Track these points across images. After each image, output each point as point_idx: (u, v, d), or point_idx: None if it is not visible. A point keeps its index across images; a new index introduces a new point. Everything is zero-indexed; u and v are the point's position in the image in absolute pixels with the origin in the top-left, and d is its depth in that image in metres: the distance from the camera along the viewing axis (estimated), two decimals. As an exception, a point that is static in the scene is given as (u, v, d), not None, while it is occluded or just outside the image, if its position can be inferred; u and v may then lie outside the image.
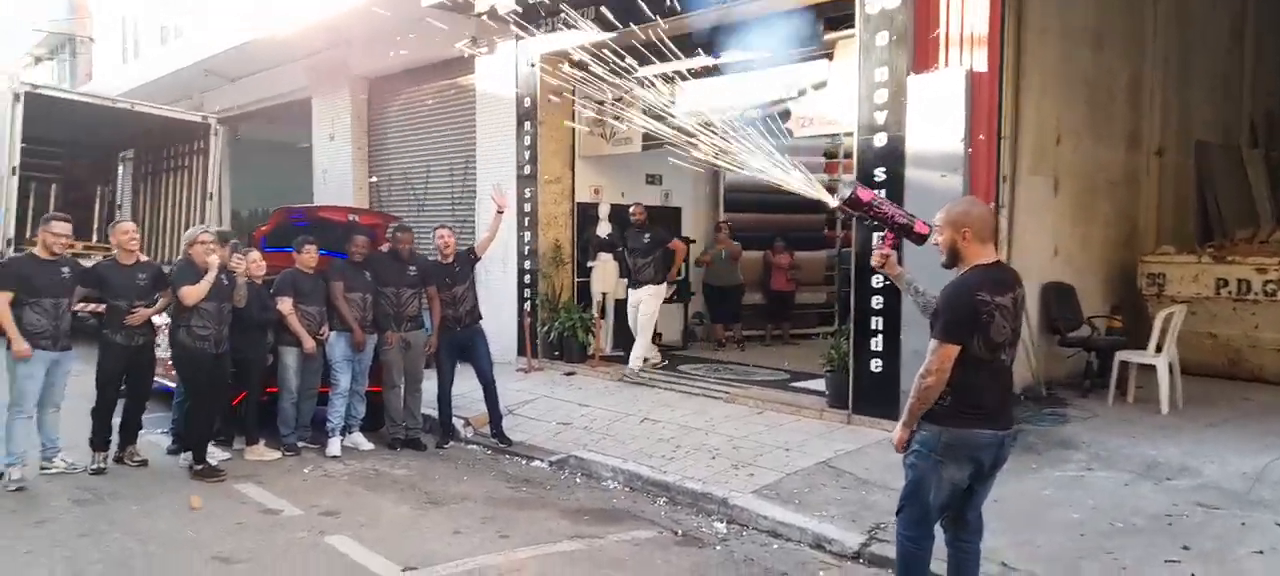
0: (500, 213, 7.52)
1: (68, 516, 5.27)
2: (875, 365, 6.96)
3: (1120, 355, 7.49)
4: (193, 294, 5.83)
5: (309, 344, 6.69)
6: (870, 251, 4.26)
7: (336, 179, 13.84)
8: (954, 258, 3.50)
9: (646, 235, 9.26)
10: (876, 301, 6.99)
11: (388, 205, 13.18)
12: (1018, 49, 7.75)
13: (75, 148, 14.83)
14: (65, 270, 5.92)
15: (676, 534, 5.34)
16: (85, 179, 15.44)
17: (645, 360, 9.32)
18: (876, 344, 6.97)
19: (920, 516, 3.58)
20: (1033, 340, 7.93)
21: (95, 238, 13.82)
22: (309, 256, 6.82)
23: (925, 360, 3.47)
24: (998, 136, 6.50)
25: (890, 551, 4.21)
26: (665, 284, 9.43)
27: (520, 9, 9.51)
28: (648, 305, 9.29)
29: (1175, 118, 9.69)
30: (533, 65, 10.07)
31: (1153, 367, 7.19)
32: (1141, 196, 9.49)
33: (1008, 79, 7.68)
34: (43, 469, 6.02)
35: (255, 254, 6.63)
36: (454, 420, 7.56)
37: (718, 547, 5.12)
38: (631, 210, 9.56)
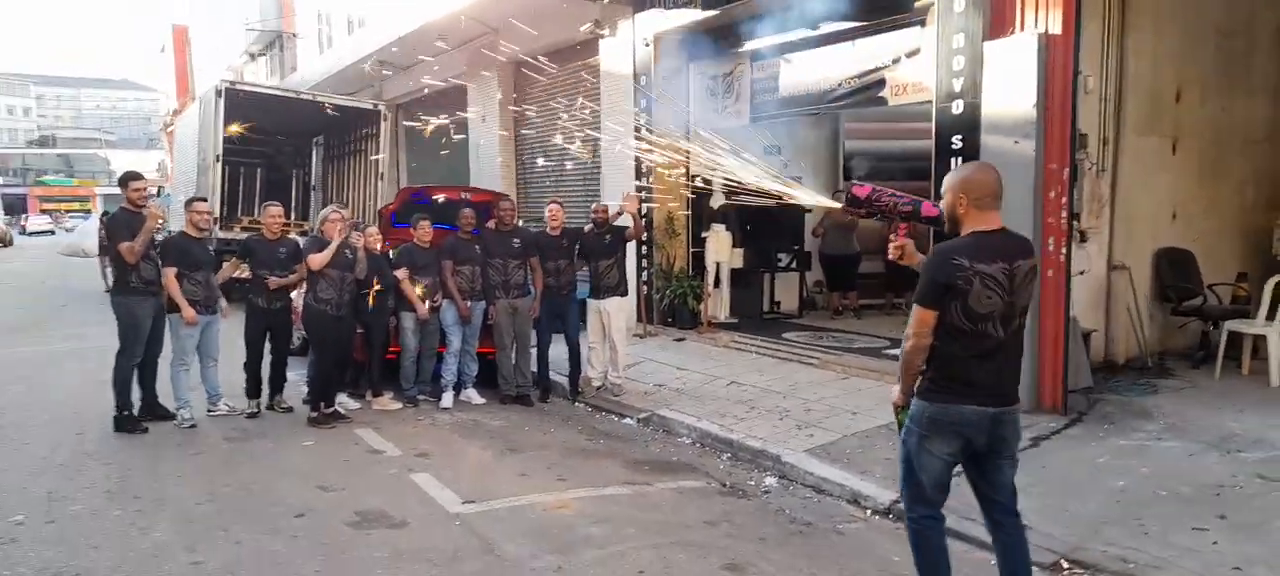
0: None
1: (217, 450, 6.39)
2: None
3: (1229, 325, 7.11)
4: (316, 260, 6.82)
5: (422, 311, 7.59)
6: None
7: (487, 158, 14.94)
8: (954, 224, 3.40)
9: (608, 235, 8.09)
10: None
11: (528, 181, 14.13)
12: (1124, 3, 7.46)
13: (276, 136, 16.75)
14: (210, 246, 7.11)
15: (723, 485, 5.75)
16: (285, 163, 17.44)
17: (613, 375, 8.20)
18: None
19: (916, 494, 3.49)
20: (1140, 309, 7.65)
21: (292, 216, 15.49)
22: (424, 232, 7.70)
23: None
24: (1074, 99, 6.35)
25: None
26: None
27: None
28: (617, 320, 8.07)
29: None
30: (647, 44, 10.56)
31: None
32: (1289, 154, 8.81)
33: (1110, 35, 7.44)
34: (209, 412, 7.25)
35: (372, 229, 7.58)
36: (554, 378, 8.26)
37: (756, 499, 5.49)
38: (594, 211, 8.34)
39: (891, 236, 3.75)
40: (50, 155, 72.69)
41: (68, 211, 62.72)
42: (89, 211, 54.65)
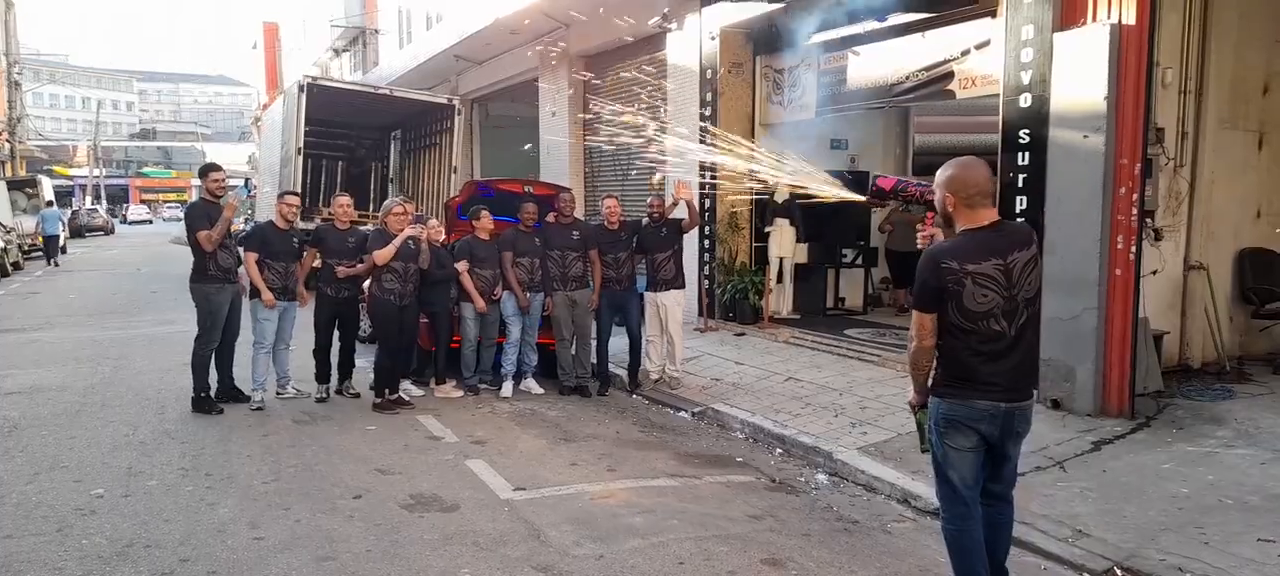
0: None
1: (285, 432, 6.65)
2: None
3: (1313, 329, 6.78)
4: (382, 255, 7.04)
5: (480, 304, 7.76)
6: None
7: (558, 151, 15.12)
8: (947, 221, 3.41)
9: (664, 228, 8.07)
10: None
11: (598, 174, 14.26)
12: (1207, -10, 7.16)
13: (357, 129, 17.26)
14: (294, 238, 7.40)
15: (773, 481, 5.75)
16: (365, 156, 17.95)
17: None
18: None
19: (948, 492, 3.50)
20: (1218, 311, 7.35)
21: (370, 207, 15.96)
22: (484, 224, 7.87)
23: None
24: (1148, 93, 6.13)
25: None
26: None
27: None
28: (674, 313, 8.09)
29: None
30: (713, 38, 10.55)
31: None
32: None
33: (1192, 26, 7.16)
34: (278, 394, 7.57)
35: (434, 221, 7.80)
36: (613, 371, 8.35)
37: (804, 495, 5.47)
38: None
39: (919, 227, 3.75)
40: (150, 148, 76.21)
41: (165, 202, 65.74)
42: (185, 201, 57.13)
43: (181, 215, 36.21)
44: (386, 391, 7.28)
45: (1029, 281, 3.34)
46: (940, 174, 3.42)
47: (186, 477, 5.50)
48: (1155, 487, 5.10)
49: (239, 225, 7.84)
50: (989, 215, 3.35)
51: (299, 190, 8.67)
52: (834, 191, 4.24)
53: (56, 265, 23.32)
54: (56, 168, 52.89)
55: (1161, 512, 4.76)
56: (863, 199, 4.17)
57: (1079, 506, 4.92)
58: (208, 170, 7.24)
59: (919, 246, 3.74)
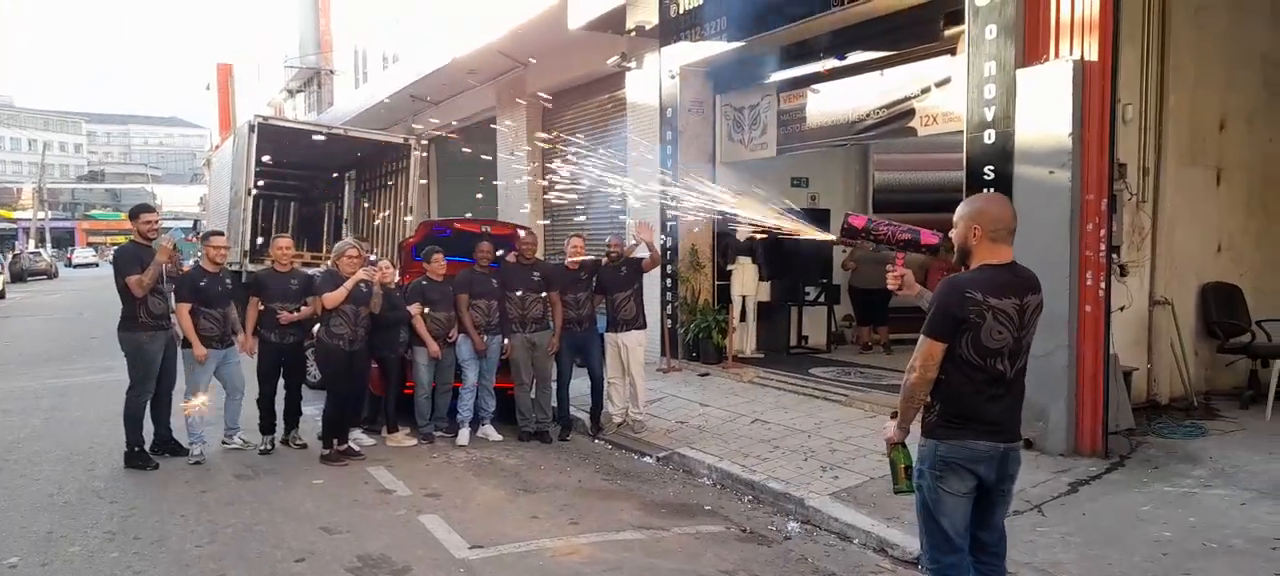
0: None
1: (225, 488, 6.25)
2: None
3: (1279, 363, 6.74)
4: (331, 299, 6.72)
5: (433, 348, 7.45)
6: None
7: (517, 190, 14.89)
8: (964, 255, 3.32)
9: (623, 267, 7.86)
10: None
11: (558, 213, 14.04)
12: (1163, 30, 7.19)
13: (310, 169, 16.86)
14: (227, 281, 7.03)
15: (743, 531, 5.49)
16: (318, 197, 17.55)
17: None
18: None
19: (939, 541, 3.33)
20: (1183, 346, 7.30)
21: (325, 249, 15.55)
22: (437, 265, 7.58)
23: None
24: (1111, 129, 6.08)
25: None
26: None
27: (656, 22, 9.93)
28: (636, 354, 7.85)
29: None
30: (673, 76, 10.44)
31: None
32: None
33: (1151, 63, 7.18)
34: (223, 443, 7.17)
35: (385, 263, 7.46)
36: (574, 414, 8.07)
37: (777, 546, 5.23)
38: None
39: (889, 267, 3.63)
40: (98, 190, 74.51)
41: (113, 244, 64.17)
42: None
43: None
44: (335, 442, 6.92)
45: (1034, 326, 3.28)
46: (965, 207, 3.35)
47: (113, 542, 5.10)
48: (1137, 532, 4.94)
49: (189, 266, 7.43)
50: (1008, 254, 3.27)
51: (223, 231, 8.24)
52: (806, 230, 4.06)
53: (-7, 311, 22.47)
54: (0, 210, 51.47)
55: (1146, 558, 4.59)
56: (834, 239, 4.00)
57: (1061, 553, 4.74)
58: (139, 211, 6.86)
59: (890, 286, 3.63)
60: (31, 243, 51.90)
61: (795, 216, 4.13)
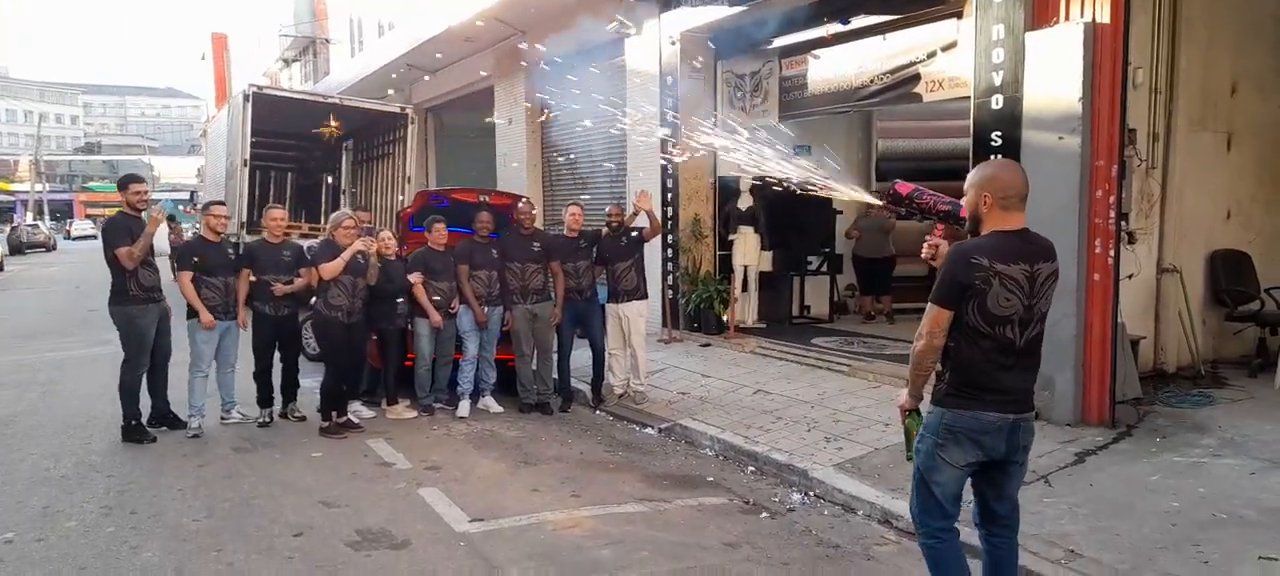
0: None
1: (223, 462, 6.19)
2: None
3: (1290, 331, 6.66)
4: (329, 269, 6.62)
5: (435, 319, 7.36)
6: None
7: (515, 159, 14.73)
8: (975, 223, 3.28)
9: (624, 237, 7.80)
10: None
11: (556, 182, 13.90)
12: (1175, -8, 7.04)
13: (306, 139, 16.68)
14: (230, 250, 6.91)
15: (746, 502, 5.43)
16: (315, 167, 17.39)
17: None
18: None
19: (930, 506, 3.32)
20: (1191, 314, 7.21)
21: (322, 219, 15.39)
22: (438, 235, 7.47)
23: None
24: (1123, 93, 5.95)
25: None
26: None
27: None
28: (637, 325, 7.82)
29: None
30: (674, 42, 10.27)
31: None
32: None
33: (1161, 26, 7.03)
34: (222, 419, 7.09)
35: (386, 233, 7.36)
36: (576, 385, 8.00)
37: (780, 517, 5.17)
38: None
39: (927, 237, 3.57)
40: (96, 161, 74.11)
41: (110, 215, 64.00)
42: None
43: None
44: (334, 414, 6.85)
45: (1047, 295, 3.22)
46: (976, 174, 3.30)
47: (109, 516, 5.04)
48: (1146, 502, 4.87)
49: (189, 235, 7.30)
50: (1020, 220, 3.23)
51: (223, 200, 8.10)
52: (849, 193, 3.98)
53: (-9, 284, 22.36)
54: (-3, 183, 51.26)
55: (1156, 529, 4.53)
56: (879, 204, 3.96)
57: (1069, 524, 4.68)
58: (128, 181, 6.72)
59: (924, 255, 3.59)
60: (30, 215, 51.65)
61: (837, 175, 4.05)
